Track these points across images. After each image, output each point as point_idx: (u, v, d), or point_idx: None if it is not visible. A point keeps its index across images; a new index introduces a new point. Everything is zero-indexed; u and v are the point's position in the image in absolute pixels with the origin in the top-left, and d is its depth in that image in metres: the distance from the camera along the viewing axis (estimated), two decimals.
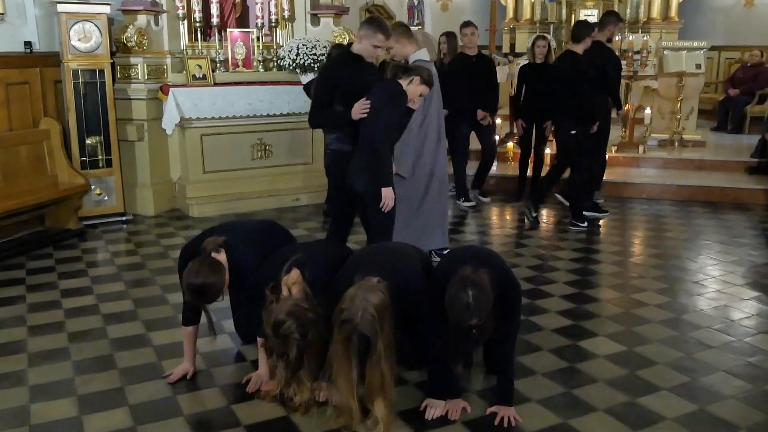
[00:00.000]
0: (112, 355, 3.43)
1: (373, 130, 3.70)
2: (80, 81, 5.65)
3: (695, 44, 8.16)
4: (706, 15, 11.72)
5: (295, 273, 2.96)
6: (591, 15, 11.62)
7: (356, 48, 3.96)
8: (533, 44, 6.66)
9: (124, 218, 5.98)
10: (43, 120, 5.63)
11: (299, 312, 2.78)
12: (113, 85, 5.89)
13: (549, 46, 6.63)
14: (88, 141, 5.75)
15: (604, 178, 6.91)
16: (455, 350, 2.91)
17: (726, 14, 11.67)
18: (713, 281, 4.58)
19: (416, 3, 9.67)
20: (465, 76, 6.37)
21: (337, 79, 3.91)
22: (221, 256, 3.03)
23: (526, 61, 6.91)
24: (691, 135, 8.30)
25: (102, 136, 5.82)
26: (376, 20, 3.99)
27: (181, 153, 6.45)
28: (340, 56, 4.10)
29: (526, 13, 12.10)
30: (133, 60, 6.07)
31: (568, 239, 5.65)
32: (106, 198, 5.94)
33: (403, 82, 3.74)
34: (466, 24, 6.52)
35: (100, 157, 5.86)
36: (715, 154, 8.00)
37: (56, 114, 5.83)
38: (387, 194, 3.75)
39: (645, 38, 8.65)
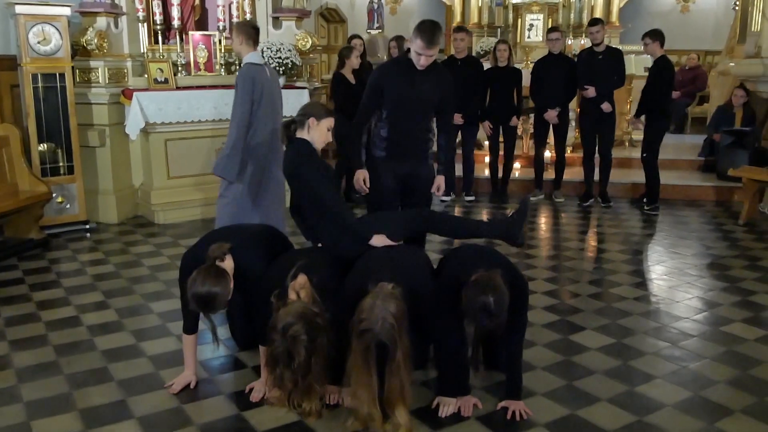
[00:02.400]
0: (106, 368, 3.33)
1: (318, 199, 3.32)
2: (40, 85, 5.45)
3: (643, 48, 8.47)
4: (644, 20, 12.20)
5: (302, 278, 2.95)
6: (537, 19, 11.94)
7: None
8: (495, 48, 6.84)
9: (87, 226, 5.79)
10: (0, 126, 5.39)
11: (308, 315, 2.78)
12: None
13: (510, 49, 6.82)
14: (39, 147, 5.53)
15: (563, 177, 7.16)
16: (471, 352, 2.96)
17: (663, 19, 12.17)
18: (681, 274, 4.79)
19: (376, 6, 9.71)
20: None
21: (384, 83, 3.71)
22: (227, 263, 2.98)
23: (489, 65, 7.08)
24: (640, 135, 8.59)
25: (63, 142, 5.63)
26: (425, 24, 3.60)
27: (144, 159, 6.29)
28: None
29: (474, 17, 12.34)
30: (93, 63, 5.90)
31: (536, 237, 5.81)
32: (68, 206, 5.74)
33: (304, 134, 3.36)
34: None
35: (61, 164, 5.66)
36: (662, 154, 8.27)
37: (13, 120, 5.60)
38: (381, 241, 3.28)
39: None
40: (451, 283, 2.88)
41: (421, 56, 3.60)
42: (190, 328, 3.15)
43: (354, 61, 6.57)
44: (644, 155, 6.73)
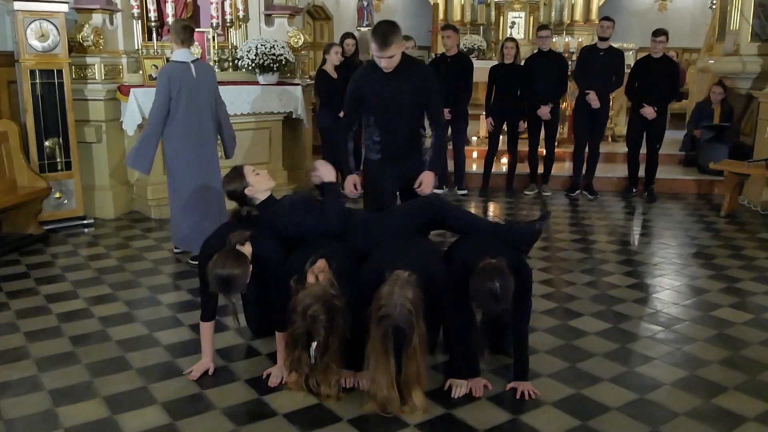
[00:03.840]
0: (123, 357, 3.41)
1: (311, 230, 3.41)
2: (37, 81, 5.48)
3: (625, 45, 8.71)
4: (623, 17, 12.45)
5: (321, 262, 3.06)
6: (519, 17, 12.16)
7: None
8: (502, 45, 7.01)
9: (85, 222, 5.83)
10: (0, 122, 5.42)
11: (327, 296, 2.90)
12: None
13: (517, 46, 6.96)
14: (46, 143, 5.57)
15: (552, 172, 7.35)
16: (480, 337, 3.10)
17: (641, 17, 12.48)
18: (670, 264, 4.99)
19: (365, 4, 9.83)
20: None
21: (362, 90, 3.77)
22: (246, 249, 3.09)
23: (496, 62, 7.27)
24: (623, 130, 8.84)
25: (60, 138, 5.66)
26: (377, 26, 3.56)
27: None
28: (366, 66, 3.89)
29: (457, 15, 12.52)
30: (89, 60, 5.93)
31: None
32: (66, 201, 5.77)
33: (245, 194, 3.51)
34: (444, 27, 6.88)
35: (58, 160, 5.69)
36: (644, 148, 8.54)
37: (10, 115, 5.62)
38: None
39: (580, 40, 9.12)
40: (460, 270, 3.01)
41: (380, 60, 3.57)
42: (208, 315, 3.25)
43: (334, 57, 6.74)
44: (658, 146, 6.98)
